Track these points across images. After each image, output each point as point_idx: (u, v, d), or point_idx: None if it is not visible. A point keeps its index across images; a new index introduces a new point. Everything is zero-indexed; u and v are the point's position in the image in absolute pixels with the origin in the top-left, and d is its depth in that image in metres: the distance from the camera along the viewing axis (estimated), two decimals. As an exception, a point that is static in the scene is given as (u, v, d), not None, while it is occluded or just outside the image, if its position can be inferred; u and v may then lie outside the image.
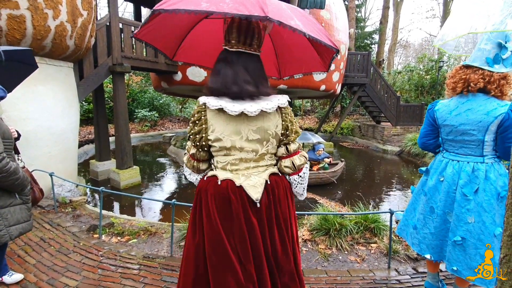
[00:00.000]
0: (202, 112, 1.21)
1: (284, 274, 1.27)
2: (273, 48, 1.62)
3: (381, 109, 10.73)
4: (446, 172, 1.73)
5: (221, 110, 1.17)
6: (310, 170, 6.33)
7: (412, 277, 2.41)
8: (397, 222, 2.59)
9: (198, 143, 1.24)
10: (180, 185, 6.51)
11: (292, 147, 1.30)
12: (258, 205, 1.21)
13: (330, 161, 6.55)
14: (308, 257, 2.83)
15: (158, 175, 7.18)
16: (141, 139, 12.20)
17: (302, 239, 3.13)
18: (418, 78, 15.03)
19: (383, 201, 5.86)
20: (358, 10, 19.40)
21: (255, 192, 1.21)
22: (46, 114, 3.97)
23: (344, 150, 11.04)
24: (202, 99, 1.20)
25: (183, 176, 7.19)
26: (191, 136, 1.25)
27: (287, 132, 1.27)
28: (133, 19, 7.28)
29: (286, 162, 1.30)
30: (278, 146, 1.30)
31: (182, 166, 7.90)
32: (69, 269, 2.46)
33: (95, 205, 4.89)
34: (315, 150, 6.46)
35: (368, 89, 10.48)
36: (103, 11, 22.29)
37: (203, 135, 1.21)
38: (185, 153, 1.37)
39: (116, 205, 5.18)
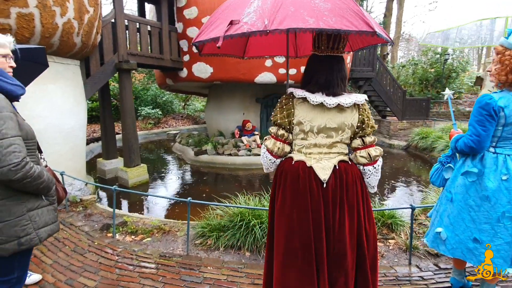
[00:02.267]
0: (290, 99, 1.44)
1: (340, 255, 1.40)
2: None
3: (387, 103, 10.62)
4: (509, 168, 1.61)
5: (304, 99, 1.39)
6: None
7: (435, 273, 2.36)
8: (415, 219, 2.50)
9: (286, 126, 1.43)
10: (187, 182, 6.48)
11: (368, 139, 1.46)
12: (325, 185, 1.37)
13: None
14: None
15: (165, 173, 7.16)
16: (145, 137, 12.16)
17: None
18: (422, 71, 14.86)
19: (394, 196, 5.81)
20: (361, 2, 19.15)
21: (324, 173, 1.38)
22: (55, 112, 3.94)
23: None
24: (289, 90, 1.47)
25: (189, 173, 7.15)
26: (279, 120, 1.45)
27: (363, 126, 1.43)
28: (137, 15, 7.21)
29: (362, 153, 1.45)
30: (354, 138, 1.47)
31: (188, 164, 7.94)
32: (86, 269, 2.44)
33: (105, 204, 4.87)
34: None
35: (374, 83, 10.37)
36: (103, 9, 22.13)
37: (291, 118, 1.42)
38: (266, 138, 1.54)
39: (125, 203, 5.15)
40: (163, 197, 5.07)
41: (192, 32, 6.80)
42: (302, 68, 7.09)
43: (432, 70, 14.56)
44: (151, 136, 12.58)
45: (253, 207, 2.95)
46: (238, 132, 8.31)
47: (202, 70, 6.95)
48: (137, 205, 5.04)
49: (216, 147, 7.95)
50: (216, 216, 3.23)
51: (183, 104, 17.68)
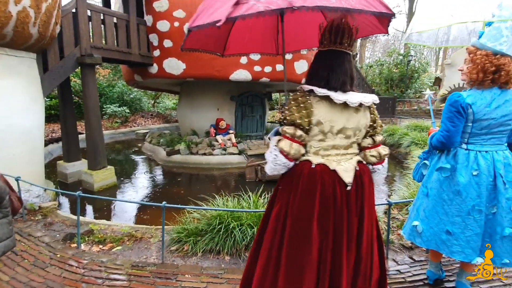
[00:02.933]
0: (307, 97, 1.33)
1: (361, 262, 1.40)
2: (275, 26, 1.92)
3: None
4: (480, 164, 1.68)
5: (324, 98, 1.31)
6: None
7: (411, 266, 2.44)
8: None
9: (305, 126, 1.32)
10: (160, 184, 6.19)
11: (378, 138, 1.47)
12: (349, 188, 1.33)
13: (313, 154, 6.59)
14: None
15: (135, 175, 6.77)
16: (111, 137, 11.47)
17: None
18: (388, 72, 15.67)
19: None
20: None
21: (347, 176, 1.34)
22: (7, 111, 3.51)
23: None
24: (307, 87, 1.34)
25: (161, 174, 6.84)
26: (298, 120, 1.32)
27: (375, 125, 1.45)
28: (101, 6, 6.71)
29: (372, 152, 1.46)
30: (364, 137, 1.47)
31: (160, 164, 7.60)
32: (49, 285, 2.19)
33: (67, 211, 4.48)
34: (299, 143, 6.44)
35: (345, 82, 10.70)
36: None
37: (311, 118, 1.31)
38: (280, 139, 1.38)
39: (90, 210, 4.77)
40: (135, 202, 4.77)
41: (163, 25, 6.48)
42: (278, 66, 7.15)
43: (397, 70, 15.41)
44: (118, 136, 11.90)
45: (233, 209, 2.85)
46: (214, 131, 8.12)
47: (174, 66, 6.65)
48: (104, 211, 4.69)
49: (189, 146, 7.70)
50: (193, 220, 3.08)
51: (152, 102, 16.98)
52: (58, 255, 2.61)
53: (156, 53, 6.71)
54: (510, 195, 1.68)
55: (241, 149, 7.72)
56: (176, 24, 6.38)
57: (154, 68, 6.85)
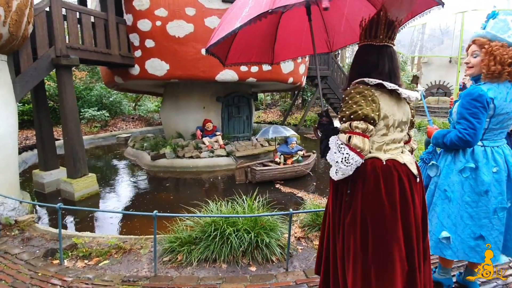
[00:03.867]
0: (373, 91, 1.27)
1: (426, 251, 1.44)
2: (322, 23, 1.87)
3: (341, 100, 11.16)
4: (497, 160, 1.63)
5: (385, 92, 1.29)
6: (284, 163, 6.27)
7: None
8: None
9: (375, 120, 1.26)
10: (146, 190, 5.93)
11: (412, 133, 1.52)
12: (418, 180, 1.36)
13: (303, 154, 6.57)
14: (306, 256, 2.71)
15: (118, 182, 6.46)
16: (90, 142, 10.96)
17: (295, 237, 3.00)
18: (368, 71, 16.04)
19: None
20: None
21: (414, 168, 1.36)
22: (-27, 117, 3.19)
23: (309, 141, 11.29)
24: (373, 80, 1.27)
25: (147, 180, 6.58)
26: (371, 114, 1.24)
27: (413, 119, 1.48)
28: (77, 4, 6.36)
29: (408, 147, 1.49)
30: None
31: (144, 170, 7.31)
32: (29, 310, 1.98)
33: (46, 224, 4.17)
34: (288, 143, 6.41)
35: (330, 81, 10.82)
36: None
37: (380, 111, 1.27)
38: (350, 136, 1.25)
39: (71, 221, 4.47)
40: (123, 213, 4.52)
41: (144, 25, 6.23)
42: (264, 66, 7.06)
43: (377, 69, 15.81)
44: (98, 141, 11.41)
45: (228, 215, 2.73)
46: (200, 133, 7.92)
47: (157, 67, 6.41)
48: (87, 222, 4.41)
49: (175, 150, 7.47)
50: (186, 228, 2.93)
51: (133, 105, 16.43)
52: (40, 274, 2.39)
53: (138, 53, 6.44)
54: None
55: (229, 151, 7.59)
56: (158, 23, 6.15)
57: (136, 69, 6.57)
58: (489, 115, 1.60)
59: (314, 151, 7.01)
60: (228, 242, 2.62)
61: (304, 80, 8.72)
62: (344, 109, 1.28)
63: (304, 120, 13.04)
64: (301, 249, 2.83)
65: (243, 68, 6.73)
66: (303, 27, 1.86)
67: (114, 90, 12.20)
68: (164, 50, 6.24)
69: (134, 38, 6.38)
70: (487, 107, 1.56)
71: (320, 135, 1.37)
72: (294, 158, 6.38)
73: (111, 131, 12.73)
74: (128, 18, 6.33)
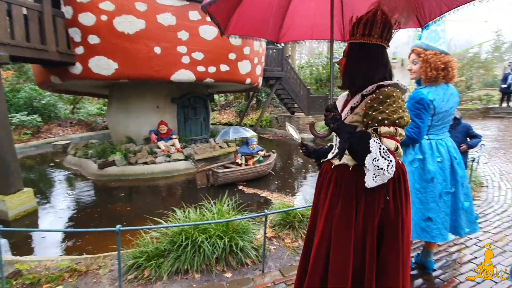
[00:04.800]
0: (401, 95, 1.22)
1: None
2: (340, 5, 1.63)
3: (295, 100, 11.61)
4: (440, 151, 1.86)
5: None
6: (246, 164, 6.24)
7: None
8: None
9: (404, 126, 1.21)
10: (95, 202, 5.33)
11: None
12: None
13: (264, 154, 6.63)
14: (279, 255, 2.73)
15: (60, 195, 5.67)
16: (21, 151, 9.47)
17: (268, 237, 2.99)
18: (317, 72, 16.99)
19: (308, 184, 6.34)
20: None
21: None
22: None
23: (265, 141, 11.48)
24: (405, 86, 1.24)
25: (94, 191, 5.93)
26: (408, 123, 1.20)
27: None
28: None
29: None
30: None
31: (91, 180, 6.57)
32: None
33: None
34: (249, 144, 6.40)
35: (284, 82, 11.14)
36: None
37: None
38: (395, 144, 1.17)
39: (6, 244, 3.77)
40: (79, 231, 3.96)
41: (86, 19, 5.58)
42: (222, 66, 6.94)
43: (324, 71, 16.82)
44: (30, 150, 9.96)
45: (200, 222, 2.59)
46: (155, 137, 7.43)
47: (103, 65, 5.80)
48: (28, 244, 3.77)
49: (127, 156, 6.88)
50: (152, 240, 2.70)
51: (71, 108, 14.73)
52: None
53: (79, 50, 5.75)
54: (462, 173, 1.95)
55: (187, 154, 7.28)
56: (104, 17, 5.58)
57: (77, 68, 5.86)
58: (431, 114, 1.85)
59: (274, 150, 7.14)
60: (201, 251, 2.50)
61: (260, 80, 8.83)
62: (387, 112, 1.16)
63: (261, 121, 13.23)
64: (273, 248, 2.83)
65: (201, 68, 6.52)
66: (317, 7, 1.66)
67: (48, 91, 10.78)
68: (112, 48, 5.68)
69: (75, 33, 5.68)
70: (428, 108, 1.81)
71: (338, 132, 1.20)
72: (255, 159, 6.40)
73: (45, 138, 11.21)
74: (67, 10, 5.61)
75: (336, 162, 1.34)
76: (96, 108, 15.43)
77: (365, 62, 1.28)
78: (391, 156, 1.14)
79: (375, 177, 1.14)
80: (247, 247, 2.61)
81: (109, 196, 5.63)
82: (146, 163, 6.86)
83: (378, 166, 1.12)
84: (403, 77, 15.53)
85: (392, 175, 1.14)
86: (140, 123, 7.53)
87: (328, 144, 1.59)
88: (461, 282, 2.09)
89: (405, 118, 1.17)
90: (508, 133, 8.68)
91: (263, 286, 2.25)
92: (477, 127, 9.60)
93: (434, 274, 2.20)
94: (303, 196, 5.17)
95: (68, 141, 10.28)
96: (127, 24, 5.66)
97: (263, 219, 3.29)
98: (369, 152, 1.13)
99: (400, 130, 1.17)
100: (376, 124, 1.18)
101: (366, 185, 1.16)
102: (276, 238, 3.05)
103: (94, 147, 7.66)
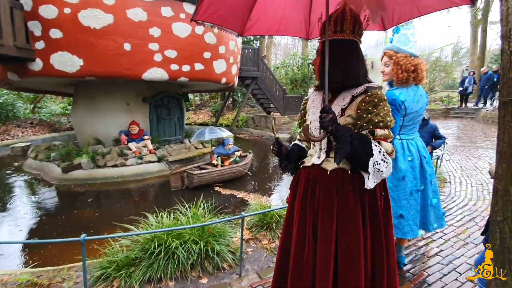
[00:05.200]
0: None
1: None
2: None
3: (271, 100, 11.68)
4: (411, 151, 1.93)
5: None
6: (222, 165, 6.15)
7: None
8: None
9: None
10: (59, 210, 4.96)
11: None
12: None
13: (240, 154, 6.57)
14: (257, 257, 2.69)
15: (18, 203, 5.21)
16: (-28, 155, 8.65)
17: (245, 239, 2.95)
18: (292, 73, 17.24)
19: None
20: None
21: None
22: None
23: (242, 141, 11.44)
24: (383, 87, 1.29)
25: (58, 197, 5.52)
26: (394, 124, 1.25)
27: None
28: None
29: None
30: None
31: (54, 185, 6.11)
32: None
33: None
34: (225, 144, 6.31)
35: (260, 82, 11.15)
36: None
37: None
38: (388, 145, 1.21)
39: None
40: (39, 242, 3.62)
41: (48, 11, 5.16)
42: (196, 65, 6.78)
43: (299, 72, 17.11)
44: (-16, 153, 9.09)
45: (173, 228, 2.48)
46: (126, 138, 7.08)
47: (67, 62, 5.41)
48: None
49: (94, 158, 6.50)
50: (121, 249, 2.54)
51: (31, 107, 13.69)
52: None
53: (40, 45, 5.31)
54: (430, 171, 2.04)
55: (161, 156, 7.03)
56: (67, 10, 5.19)
57: (38, 65, 5.41)
58: (402, 115, 1.91)
59: (250, 151, 7.11)
60: (175, 257, 2.39)
61: (236, 80, 8.76)
62: (382, 114, 1.19)
63: (237, 121, 13.15)
64: (251, 251, 2.79)
65: (174, 67, 6.31)
66: (287, 1, 1.60)
67: (5, 90, 9.90)
68: (76, 43, 5.31)
69: (35, 27, 5.23)
70: (400, 109, 1.87)
71: (338, 135, 1.13)
72: (232, 159, 6.33)
73: (2, 140, 10.32)
74: (26, 2, 5.14)
75: (330, 167, 1.27)
76: (60, 107, 14.49)
77: (342, 59, 1.25)
78: (389, 158, 1.15)
79: (374, 179, 1.15)
80: (224, 251, 2.54)
81: (74, 202, 5.27)
82: (116, 165, 6.52)
83: (379, 169, 1.12)
84: (372, 78, 16.26)
85: (387, 175, 1.17)
86: (109, 123, 7.15)
87: (291, 145, 1.52)
88: (429, 275, 2.20)
89: (393, 120, 1.23)
90: (466, 131, 9.38)
91: (240, 291, 2.20)
92: (439, 126, 10.26)
93: (405, 268, 2.28)
94: (280, 196, 5.19)
95: (28, 143, 9.63)
96: (93, 18, 5.32)
97: (240, 221, 3.27)
98: (372, 155, 1.11)
99: (390, 132, 1.21)
100: (371, 127, 1.18)
101: (367, 186, 1.16)
102: (253, 239, 3.01)
103: (58, 150, 7.16)
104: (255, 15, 1.55)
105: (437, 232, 2.87)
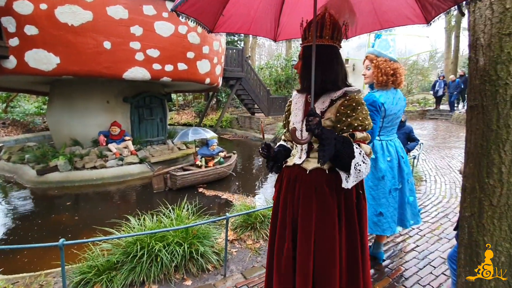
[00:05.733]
0: None
1: None
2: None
3: (256, 101, 11.71)
4: (390, 151, 2.01)
5: None
6: (206, 166, 6.10)
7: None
8: None
9: None
10: (34, 214, 4.74)
11: None
12: None
13: (224, 155, 6.55)
14: (241, 257, 2.71)
15: (-11, 206, 4.94)
16: None
17: (229, 240, 2.95)
18: (276, 74, 17.37)
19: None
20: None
21: None
22: None
23: (226, 142, 11.39)
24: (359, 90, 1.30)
25: (33, 201, 5.28)
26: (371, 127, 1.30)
27: None
28: None
29: None
30: None
31: (28, 188, 5.83)
32: None
33: None
34: (209, 145, 6.27)
35: (244, 82, 11.16)
36: None
37: None
38: (367, 147, 1.25)
39: None
40: (12, 248, 3.42)
41: (23, 7, 4.90)
42: (180, 65, 6.68)
43: (283, 73, 17.27)
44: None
45: (156, 231, 2.44)
46: (105, 139, 6.86)
47: (43, 60, 5.17)
48: None
49: (72, 160, 6.26)
50: (102, 253, 2.48)
51: (3, 107, 12.97)
52: None
53: (14, 42, 5.04)
54: (407, 171, 2.15)
55: (142, 157, 6.88)
56: (43, 6, 4.96)
57: (11, 62, 5.14)
58: (382, 116, 2.00)
59: (235, 151, 7.11)
60: (158, 260, 2.36)
61: (220, 81, 8.71)
62: (360, 118, 1.24)
63: (221, 121, 13.09)
64: (235, 251, 2.80)
65: (156, 66, 6.19)
66: (260, 2, 1.59)
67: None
68: (53, 40, 5.08)
69: (9, 23, 4.96)
70: (380, 110, 1.95)
71: (323, 138, 1.15)
72: (216, 160, 6.30)
73: (-31, 141, 9.69)
74: (-1, -4, 4.89)
75: (310, 167, 1.32)
76: (34, 106, 13.82)
77: (321, 64, 1.28)
78: (368, 159, 1.21)
79: (354, 179, 1.19)
80: (208, 252, 2.54)
81: (51, 205, 5.05)
82: (95, 167, 6.32)
83: (360, 170, 1.18)
84: (354, 80, 16.67)
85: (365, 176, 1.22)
86: (88, 123, 6.90)
87: (277, 146, 1.57)
88: (406, 270, 2.30)
89: (371, 123, 1.27)
90: (441, 132, 9.85)
91: (225, 291, 2.21)
92: (416, 127, 10.72)
93: (384, 264, 2.38)
94: (264, 196, 5.22)
95: (0, 144, 9.06)
96: (71, 15, 5.12)
97: (224, 222, 3.26)
98: (354, 157, 1.16)
99: (366, 134, 1.25)
100: (351, 130, 1.22)
101: (344, 186, 1.21)
102: (237, 240, 3.02)
103: (32, 151, 6.83)
104: (228, 11, 1.54)
105: (414, 229, 3.01)
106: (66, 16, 5.10)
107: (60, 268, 2.53)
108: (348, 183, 1.20)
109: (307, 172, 1.31)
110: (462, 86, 11.44)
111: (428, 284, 2.13)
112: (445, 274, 2.24)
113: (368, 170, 1.21)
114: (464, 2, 1.11)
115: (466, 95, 1.19)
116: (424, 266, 2.35)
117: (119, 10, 5.51)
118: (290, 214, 1.36)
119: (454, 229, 1.81)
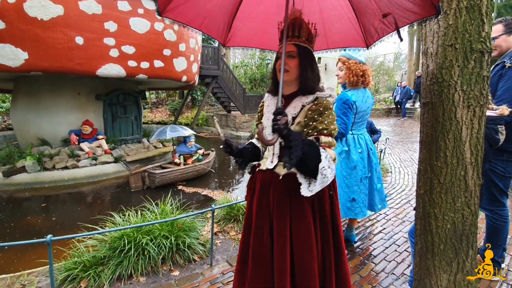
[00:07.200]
0: None
1: None
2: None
3: (232, 99, 11.79)
4: (361, 144, 2.26)
5: None
6: (184, 163, 6.13)
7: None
8: None
9: None
10: (1, 218, 4.49)
11: None
12: None
13: (203, 152, 6.60)
14: (226, 248, 2.85)
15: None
16: None
17: (214, 232, 3.08)
18: (251, 72, 17.54)
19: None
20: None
21: None
22: None
23: (202, 140, 11.37)
24: (332, 94, 1.30)
25: (1, 204, 5.00)
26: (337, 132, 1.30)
27: None
28: None
29: None
30: None
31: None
32: None
33: None
34: (186, 142, 6.29)
35: (220, 80, 11.19)
36: None
37: None
38: (332, 152, 1.23)
39: None
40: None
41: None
42: (156, 62, 6.60)
43: (258, 71, 17.48)
44: None
45: (143, 224, 2.50)
46: (76, 138, 6.60)
47: (9, 55, 4.87)
48: None
49: (40, 160, 5.97)
50: (87, 249, 2.50)
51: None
52: None
53: (-27, 35, 4.71)
54: (375, 161, 2.43)
55: (117, 156, 6.72)
56: (11, 0, 4.69)
57: (-28, 57, 4.80)
58: (354, 113, 2.25)
59: (213, 148, 7.18)
60: (145, 253, 2.43)
61: (196, 78, 8.70)
62: (326, 122, 1.23)
63: (197, 119, 13.01)
64: (219, 242, 2.94)
65: (132, 63, 6.07)
66: (269, 14, 1.54)
67: None
68: (20, 35, 4.81)
69: (-33, 14, 4.63)
70: (352, 108, 2.20)
71: (291, 139, 1.08)
72: (194, 157, 6.34)
73: None
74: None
75: (282, 172, 1.29)
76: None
77: (312, 66, 1.32)
78: (333, 164, 1.19)
79: (319, 185, 1.16)
80: (194, 244, 2.64)
81: (19, 208, 4.82)
82: (66, 167, 6.08)
83: (325, 175, 1.14)
84: (327, 79, 17.35)
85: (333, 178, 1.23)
86: (56, 122, 6.60)
87: (247, 143, 1.56)
88: (374, 249, 2.59)
89: (337, 129, 1.27)
90: (405, 128, 10.63)
91: (212, 278, 2.33)
92: (383, 123, 11.46)
93: (355, 245, 2.65)
94: (244, 191, 5.37)
95: (-48, 146, 8.30)
96: (40, 9, 4.89)
97: (208, 215, 3.37)
98: (320, 161, 1.12)
99: (332, 140, 1.25)
100: (316, 134, 1.21)
101: (304, 194, 1.16)
102: (221, 232, 3.15)
103: (-5, 152, 6.40)
104: (236, 25, 1.52)
105: (381, 214, 3.34)
106: (36, 10, 4.85)
107: (43, 267, 2.53)
108: (311, 189, 1.15)
109: (280, 177, 1.30)
110: (412, 94, 12.19)
111: (393, 260, 2.42)
112: (407, 251, 2.56)
113: (333, 176, 1.18)
114: (415, 22, 1.22)
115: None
116: (390, 245, 2.66)
117: (92, 5, 5.35)
118: (267, 216, 1.36)
119: (414, 209, 2.11)
